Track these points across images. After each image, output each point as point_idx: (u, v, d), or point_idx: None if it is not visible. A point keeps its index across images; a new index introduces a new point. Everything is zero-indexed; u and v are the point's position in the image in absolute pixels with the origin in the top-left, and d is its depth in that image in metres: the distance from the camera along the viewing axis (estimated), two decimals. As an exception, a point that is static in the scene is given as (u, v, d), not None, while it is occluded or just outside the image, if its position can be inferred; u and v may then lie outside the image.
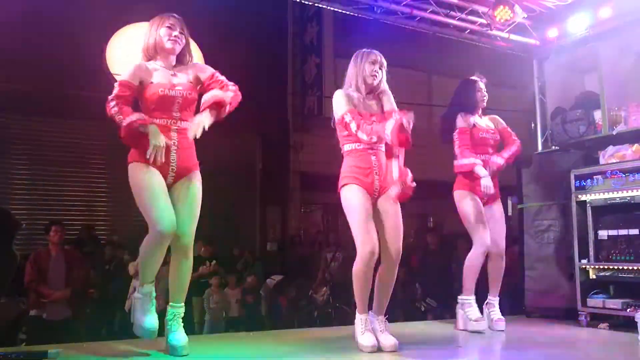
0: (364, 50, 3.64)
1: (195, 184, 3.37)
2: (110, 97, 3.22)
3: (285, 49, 11.87)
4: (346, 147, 3.58)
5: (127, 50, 7.74)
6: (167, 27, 3.35)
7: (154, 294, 3.37)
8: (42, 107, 8.81)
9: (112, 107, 3.19)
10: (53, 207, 9.24)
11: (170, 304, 3.40)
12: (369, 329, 3.49)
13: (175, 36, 3.35)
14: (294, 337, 4.36)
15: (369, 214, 3.45)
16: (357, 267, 3.43)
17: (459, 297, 4.49)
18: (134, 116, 3.17)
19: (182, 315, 3.38)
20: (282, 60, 11.78)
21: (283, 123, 11.60)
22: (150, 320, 3.29)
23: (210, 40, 7.92)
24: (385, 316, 3.60)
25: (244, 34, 10.14)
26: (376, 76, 3.56)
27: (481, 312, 4.44)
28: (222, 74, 3.52)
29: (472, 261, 4.38)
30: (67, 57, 8.33)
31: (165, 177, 3.28)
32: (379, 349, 3.44)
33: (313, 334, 4.75)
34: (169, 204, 3.23)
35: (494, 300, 4.50)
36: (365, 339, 3.44)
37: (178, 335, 3.31)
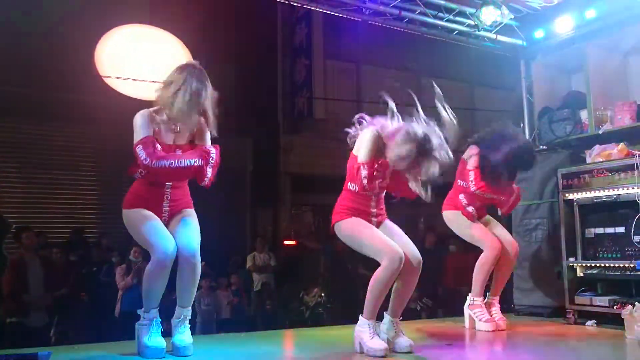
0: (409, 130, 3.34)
1: (191, 215, 3.47)
2: (144, 158, 3.20)
3: (275, 51, 11.85)
4: (350, 185, 3.56)
5: (116, 53, 7.74)
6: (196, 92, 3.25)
7: (158, 319, 3.37)
8: (32, 110, 8.76)
9: (156, 161, 3.21)
10: (42, 210, 9.19)
11: (179, 305, 3.47)
12: (377, 333, 3.45)
13: None
14: (285, 337, 4.38)
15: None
16: (385, 275, 3.36)
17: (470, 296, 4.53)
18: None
19: (189, 316, 3.47)
20: (272, 62, 11.77)
21: (273, 125, 11.59)
22: (156, 339, 3.30)
23: (199, 43, 7.92)
24: (400, 318, 3.63)
25: (233, 36, 10.14)
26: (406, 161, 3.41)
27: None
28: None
29: (484, 264, 4.38)
30: (56, 60, 8.29)
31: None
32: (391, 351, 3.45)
33: (305, 333, 4.76)
34: (167, 232, 3.32)
35: (494, 299, 4.54)
36: (376, 342, 3.37)
37: (184, 335, 3.39)
